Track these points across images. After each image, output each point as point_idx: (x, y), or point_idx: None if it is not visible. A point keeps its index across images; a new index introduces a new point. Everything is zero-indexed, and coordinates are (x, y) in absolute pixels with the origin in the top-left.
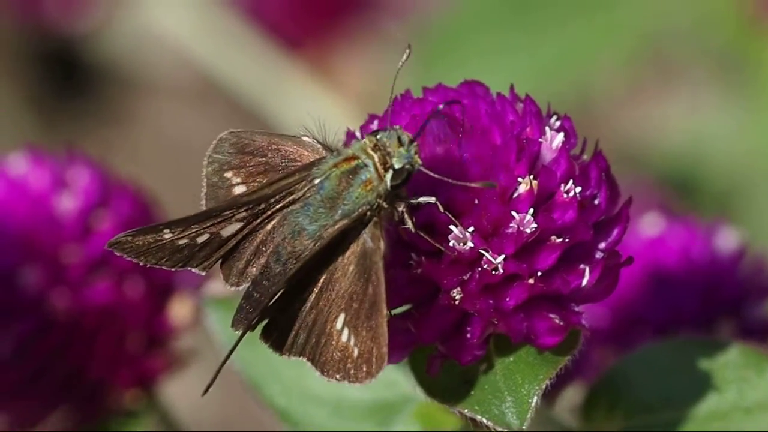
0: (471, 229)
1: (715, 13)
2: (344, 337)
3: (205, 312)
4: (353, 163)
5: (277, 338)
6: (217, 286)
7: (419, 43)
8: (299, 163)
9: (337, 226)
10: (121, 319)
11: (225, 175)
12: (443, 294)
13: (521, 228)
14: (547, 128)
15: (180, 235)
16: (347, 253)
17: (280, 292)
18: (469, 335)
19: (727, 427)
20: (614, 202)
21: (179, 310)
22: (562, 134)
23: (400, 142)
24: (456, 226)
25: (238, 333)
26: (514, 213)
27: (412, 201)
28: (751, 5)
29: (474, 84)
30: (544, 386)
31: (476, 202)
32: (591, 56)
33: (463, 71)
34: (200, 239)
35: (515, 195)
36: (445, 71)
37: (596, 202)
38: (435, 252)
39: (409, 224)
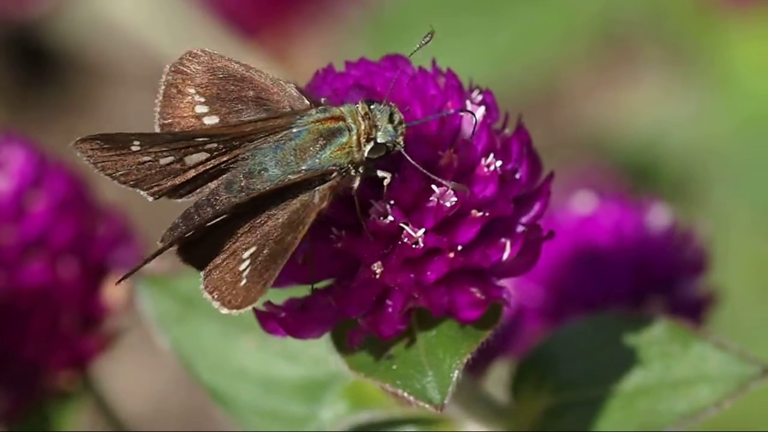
0: (391, 202)
1: None
2: (242, 266)
3: (138, 290)
4: (338, 123)
5: (194, 255)
6: (152, 265)
7: (374, 28)
8: (271, 101)
9: (299, 176)
10: (55, 300)
11: (187, 90)
12: (364, 268)
13: (441, 202)
14: (468, 102)
15: (146, 150)
16: (292, 201)
17: (218, 219)
18: (390, 309)
19: (654, 402)
20: (536, 177)
21: (113, 291)
22: (483, 108)
23: (391, 119)
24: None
25: (168, 310)
26: (434, 186)
27: (371, 174)
28: None
29: (397, 58)
30: (465, 360)
31: (396, 175)
32: (547, 40)
33: (416, 55)
34: (163, 160)
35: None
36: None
37: (517, 176)
38: (356, 226)
39: (355, 183)
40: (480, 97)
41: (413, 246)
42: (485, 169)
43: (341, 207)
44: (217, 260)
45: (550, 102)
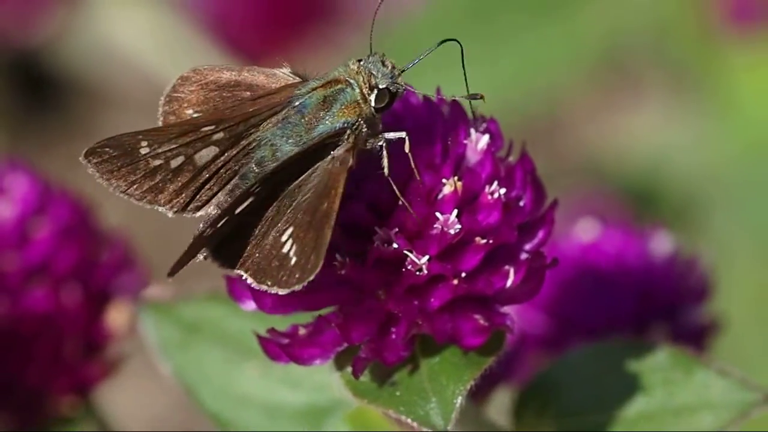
0: (395, 229)
1: (675, 25)
2: (286, 248)
3: (141, 317)
4: (338, 86)
5: (229, 255)
6: (155, 291)
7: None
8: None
9: (312, 143)
10: (58, 327)
11: (185, 112)
12: (368, 295)
13: (445, 229)
14: (472, 130)
15: (155, 152)
16: (312, 171)
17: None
18: (393, 336)
19: (656, 428)
20: (540, 204)
21: (116, 317)
22: (487, 136)
23: (384, 65)
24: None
25: (171, 337)
26: (438, 214)
27: (386, 136)
28: (711, 18)
29: None
30: (469, 387)
31: (400, 202)
32: (549, 67)
33: (420, 81)
34: (174, 162)
35: (440, 196)
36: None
37: (521, 203)
38: (359, 252)
39: (385, 163)
40: (484, 125)
41: (417, 273)
42: (489, 197)
43: (345, 234)
44: (257, 253)
45: (552, 128)
